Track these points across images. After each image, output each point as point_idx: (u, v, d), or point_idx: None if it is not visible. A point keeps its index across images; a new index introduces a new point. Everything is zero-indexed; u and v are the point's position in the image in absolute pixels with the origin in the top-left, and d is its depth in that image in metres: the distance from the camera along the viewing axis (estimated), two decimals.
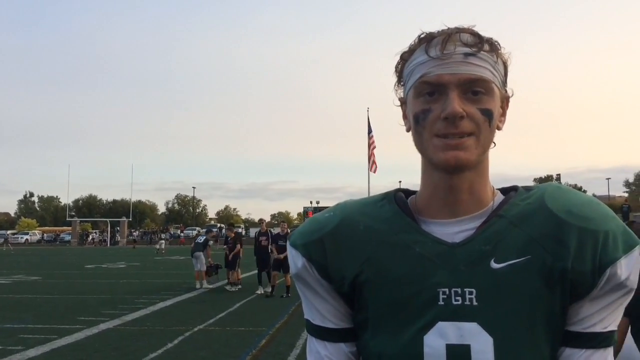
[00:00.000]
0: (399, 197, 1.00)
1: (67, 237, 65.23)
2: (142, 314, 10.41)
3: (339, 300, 0.97)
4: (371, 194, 1.09)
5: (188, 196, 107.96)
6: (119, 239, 63.14)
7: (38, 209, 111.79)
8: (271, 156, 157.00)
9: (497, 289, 0.87)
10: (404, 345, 0.89)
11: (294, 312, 10.37)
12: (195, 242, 15.92)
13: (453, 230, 0.92)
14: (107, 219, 68.70)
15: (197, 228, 64.53)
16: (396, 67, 0.97)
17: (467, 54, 0.89)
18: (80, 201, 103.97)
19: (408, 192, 1.04)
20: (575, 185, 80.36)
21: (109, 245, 60.04)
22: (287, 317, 9.89)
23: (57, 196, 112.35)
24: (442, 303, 0.88)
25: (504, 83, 0.95)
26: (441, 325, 0.88)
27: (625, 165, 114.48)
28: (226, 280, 14.72)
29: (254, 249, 14.07)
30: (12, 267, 24.55)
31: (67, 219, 67.84)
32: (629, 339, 1.66)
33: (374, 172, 25.29)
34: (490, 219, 0.92)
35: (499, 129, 0.94)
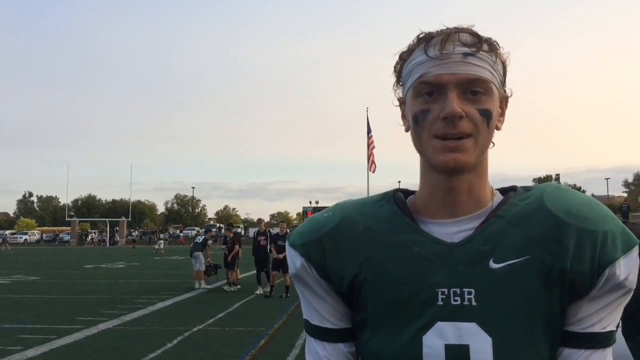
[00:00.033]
0: (398, 197, 1.00)
1: (66, 237, 65.14)
2: (141, 314, 10.40)
3: (337, 301, 0.97)
4: (370, 194, 1.09)
5: (187, 196, 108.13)
6: (118, 239, 63.09)
7: (37, 208, 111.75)
8: (270, 156, 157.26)
9: (496, 289, 0.87)
10: (402, 346, 0.89)
11: (293, 312, 10.37)
12: (194, 242, 15.92)
13: (452, 231, 0.92)
14: (106, 219, 68.61)
15: (196, 228, 64.57)
16: (395, 67, 0.97)
17: (466, 54, 0.88)
18: (80, 201, 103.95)
19: (407, 192, 1.03)
20: (575, 185, 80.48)
21: (108, 245, 59.99)
22: (286, 317, 9.89)
23: (56, 196, 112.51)
24: (441, 303, 0.88)
25: (503, 83, 0.95)
26: (440, 325, 0.88)
27: (624, 166, 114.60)
28: (225, 281, 14.71)
29: (252, 249, 14.06)
30: (11, 267, 24.53)
31: (66, 219, 67.77)
32: (620, 338, 1.66)
33: (373, 172, 25.29)
34: (489, 219, 0.91)
35: (497, 129, 0.94)
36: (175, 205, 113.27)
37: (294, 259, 0.99)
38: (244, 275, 15.83)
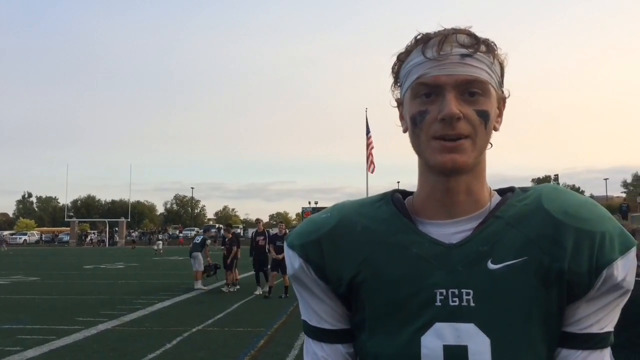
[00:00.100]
0: (396, 198, 1.00)
1: (66, 238, 65.10)
2: (140, 314, 10.39)
3: (336, 301, 0.97)
4: (369, 195, 1.09)
5: (187, 196, 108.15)
6: (117, 239, 63.07)
7: (36, 209, 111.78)
8: (270, 156, 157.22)
9: (494, 289, 0.87)
10: (401, 346, 0.89)
11: (292, 313, 10.36)
12: (193, 243, 15.87)
13: (450, 231, 0.92)
14: (106, 220, 68.61)
15: (195, 228, 64.58)
16: (393, 68, 0.97)
17: (463, 55, 0.89)
18: (79, 201, 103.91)
19: (405, 193, 1.04)
20: (573, 185, 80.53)
21: (107, 245, 59.93)
22: (286, 318, 9.88)
23: (55, 196, 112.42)
24: (440, 304, 0.88)
25: (501, 84, 0.95)
26: (438, 326, 0.88)
27: (623, 166, 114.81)
28: (224, 282, 14.69)
29: (249, 249, 14.01)
30: (11, 267, 24.51)
31: (66, 220, 67.69)
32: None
33: (372, 172, 25.31)
34: (487, 220, 0.92)
35: (495, 129, 0.94)
36: (174, 205, 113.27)
37: (292, 260, 0.99)
38: (243, 276, 15.82)
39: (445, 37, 0.89)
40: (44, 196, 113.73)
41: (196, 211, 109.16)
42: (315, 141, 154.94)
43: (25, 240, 63.81)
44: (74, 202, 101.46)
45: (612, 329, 0.91)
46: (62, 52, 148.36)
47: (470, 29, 0.91)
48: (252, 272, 14.38)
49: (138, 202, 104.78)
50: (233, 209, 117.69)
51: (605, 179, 67.67)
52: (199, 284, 14.74)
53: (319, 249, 0.96)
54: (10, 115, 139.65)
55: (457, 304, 0.88)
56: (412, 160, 0.99)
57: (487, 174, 0.96)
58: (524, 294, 0.87)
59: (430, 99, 0.90)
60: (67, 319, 9.77)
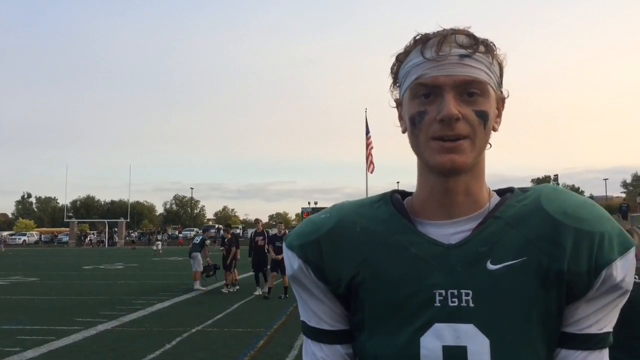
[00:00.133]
0: (395, 199, 1.00)
1: (65, 238, 65.10)
2: (140, 315, 10.39)
3: (335, 302, 0.97)
4: (369, 195, 1.09)
5: (186, 197, 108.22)
6: (116, 239, 63.05)
7: (36, 209, 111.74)
8: (269, 157, 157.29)
9: (493, 290, 0.87)
10: (400, 347, 0.89)
11: (291, 313, 10.36)
12: (193, 243, 15.87)
13: (449, 232, 0.92)
14: (105, 220, 68.57)
15: (195, 229, 64.56)
16: (392, 68, 0.97)
17: (462, 56, 0.88)
18: (78, 202, 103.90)
19: (404, 194, 1.04)
20: (573, 185, 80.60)
21: (106, 246, 59.93)
22: (285, 318, 9.88)
23: (54, 197, 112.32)
24: (439, 304, 0.88)
25: (500, 84, 0.95)
26: (438, 326, 0.88)
27: (623, 166, 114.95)
28: (224, 282, 14.68)
29: (248, 250, 14.00)
30: (10, 268, 24.50)
31: (65, 220, 67.77)
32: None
33: (372, 172, 25.30)
34: (486, 220, 0.92)
35: (494, 130, 0.94)
36: (174, 206, 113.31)
37: (292, 261, 0.99)
38: (242, 276, 15.81)
39: (444, 37, 0.89)
40: (43, 196, 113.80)
41: (196, 211, 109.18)
42: (315, 141, 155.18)
43: (24, 240, 63.80)
44: (74, 202, 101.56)
45: (611, 330, 0.91)
46: (62, 52, 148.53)
47: (469, 30, 0.91)
48: (252, 273, 14.37)
49: (137, 202, 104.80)
50: (232, 209, 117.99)
51: (605, 179, 67.68)
52: (197, 285, 14.72)
53: (318, 250, 0.96)
54: (10, 115, 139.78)
55: (456, 304, 0.88)
56: (411, 160, 0.99)
57: (487, 175, 0.96)
58: (523, 295, 0.87)
59: (429, 100, 0.89)
60: (66, 320, 9.76)
